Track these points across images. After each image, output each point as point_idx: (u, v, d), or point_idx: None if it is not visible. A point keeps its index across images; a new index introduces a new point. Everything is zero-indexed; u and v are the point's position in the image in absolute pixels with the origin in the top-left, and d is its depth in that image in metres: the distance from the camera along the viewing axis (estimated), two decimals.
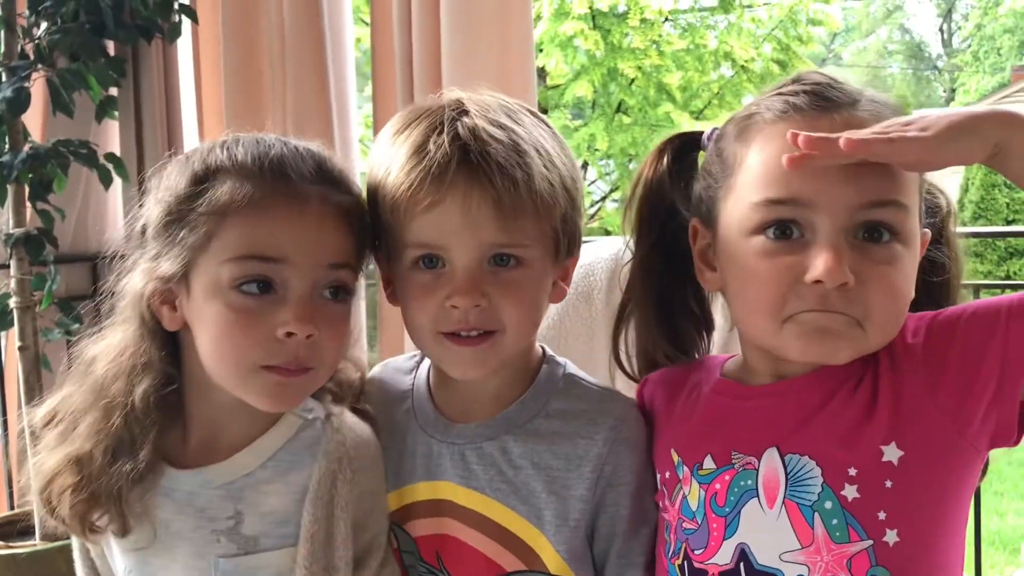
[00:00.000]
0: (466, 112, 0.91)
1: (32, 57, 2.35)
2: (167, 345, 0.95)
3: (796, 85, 0.88)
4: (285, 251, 0.88)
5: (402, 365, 1.07)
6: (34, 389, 2.27)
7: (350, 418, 0.98)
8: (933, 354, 0.82)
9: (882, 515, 0.80)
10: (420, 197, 0.88)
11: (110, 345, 0.97)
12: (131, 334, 0.95)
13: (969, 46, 24.18)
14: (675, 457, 0.92)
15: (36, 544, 2.29)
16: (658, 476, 0.95)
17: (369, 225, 0.96)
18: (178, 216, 0.90)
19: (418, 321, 0.93)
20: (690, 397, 0.96)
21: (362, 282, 1.02)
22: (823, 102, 0.85)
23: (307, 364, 0.90)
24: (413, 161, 0.89)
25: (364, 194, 0.98)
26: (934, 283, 0.92)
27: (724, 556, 0.86)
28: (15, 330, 2.34)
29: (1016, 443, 0.82)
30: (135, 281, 0.95)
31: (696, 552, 0.88)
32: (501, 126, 0.90)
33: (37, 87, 2.37)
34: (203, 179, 0.90)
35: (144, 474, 0.93)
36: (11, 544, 2.30)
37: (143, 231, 0.96)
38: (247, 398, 0.92)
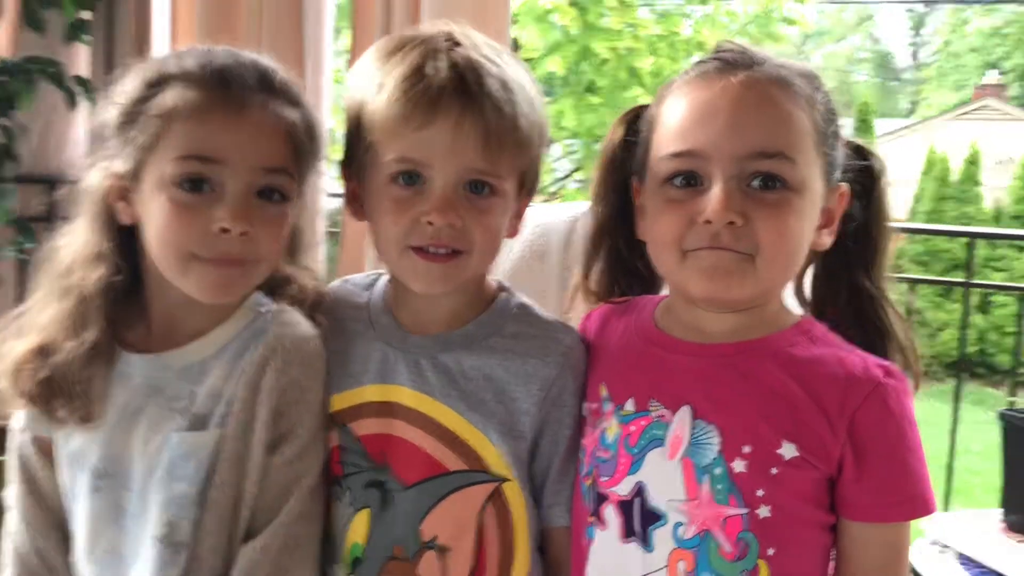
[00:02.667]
0: (459, 44, 0.97)
1: None
2: (122, 239, 1.02)
3: (711, 54, 0.98)
4: (223, 153, 0.96)
5: (360, 281, 1.12)
6: None
7: (298, 317, 1.05)
8: (847, 435, 0.92)
9: (760, 492, 0.90)
10: (414, 116, 0.93)
11: (72, 238, 1.04)
12: (89, 228, 1.03)
13: (936, 61, 24.59)
14: (604, 392, 1.01)
15: None
16: (585, 404, 1.03)
17: (316, 137, 1.03)
18: (130, 118, 0.98)
19: (390, 233, 0.97)
20: (623, 335, 1.04)
21: (317, 199, 1.09)
22: (724, 65, 0.95)
23: (242, 258, 0.98)
24: (410, 82, 0.93)
25: (323, 109, 1.03)
26: (860, 232, 1.02)
27: (625, 488, 0.95)
28: None
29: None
30: (93, 178, 1.02)
31: (603, 479, 0.97)
32: (493, 62, 0.97)
33: (8, 1, 2.34)
34: (154, 84, 0.98)
35: (96, 357, 0.99)
36: None
37: (99, 134, 1.03)
38: (187, 288, 0.99)
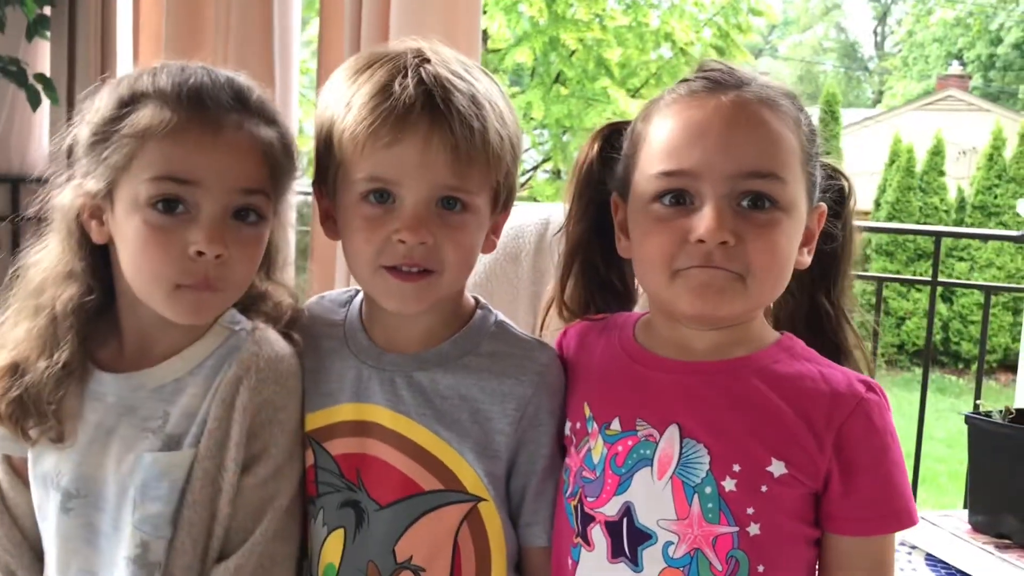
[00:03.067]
0: (428, 60, 0.95)
1: None
2: (93, 258, 1.00)
3: (697, 72, 0.98)
4: (198, 174, 0.94)
5: (337, 298, 1.11)
6: None
7: (273, 336, 1.03)
8: (834, 450, 0.92)
9: (751, 510, 0.89)
10: (382, 134, 0.91)
11: (44, 256, 1.02)
12: (61, 246, 1.01)
13: (900, 51, 24.86)
14: (587, 411, 0.99)
15: None
16: (568, 423, 1.02)
17: (292, 155, 1.01)
18: (103, 137, 0.95)
19: (362, 253, 0.96)
20: (605, 354, 1.03)
21: (291, 215, 1.07)
22: (713, 85, 0.94)
23: (215, 284, 0.96)
24: (377, 100, 0.92)
25: (297, 126, 1.02)
26: (826, 252, 1.03)
27: (612, 508, 0.94)
28: None
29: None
30: (65, 196, 1.00)
31: (589, 499, 0.96)
32: (461, 78, 0.95)
33: None
34: (128, 103, 0.95)
35: (68, 377, 0.98)
36: None
37: (70, 151, 1.00)
38: (160, 310, 0.97)
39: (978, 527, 1.55)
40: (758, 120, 0.91)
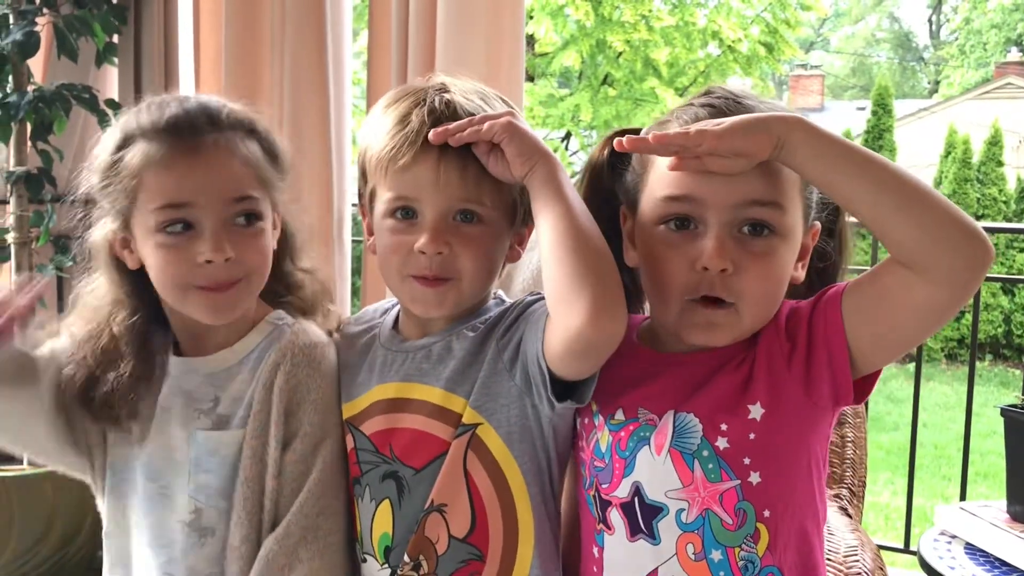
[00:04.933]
0: (447, 91, 1.07)
1: (38, 2, 2.42)
2: (135, 281, 1.14)
3: (703, 98, 1.03)
4: (191, 196, 1.06)
5: (380, 305, 1.23)
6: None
7: (311, 327, 1.16)
8: (789, 333, 0.98)
9: (747, 460, 0.96)
10: (398, 158, 1.03)
11: (96, 286, 1.17)
12: (106, 277, 1.16)
13: (956, 39, 24.29)
14: (593, 407, 1.07)
15: (24, 468, 2.40)
16: (578, 420, 1.10)
17: (275, 151, 1.14)
18: (109, 181, 1.08)
19: (390, 263, 1.07)
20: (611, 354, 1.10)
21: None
22: (717, 113, 0.99)
23: (232, 279, 1.08)
24: (396, 128, 1.04)
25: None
26: (821, 269, 1.08)
27: (623, 490, 1.01)
28: (11, 264, 2.43)
29: (856, 402, 0.98)
30: (97, 235, 1.14)
31: (603, 486, 1.03)
32: (473, 104, 1.06)
33: (44, 31, 2.44)
34: (121, 146, 1.08)
35: (136, 382, 1.11)
36: (0, 468, 2.40)
37: (87, 199, 1.14)
38: (191, 315, 1.11)
39: (1016, 516, 1.57)
40: None
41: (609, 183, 1.12)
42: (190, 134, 1.06)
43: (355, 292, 3.34)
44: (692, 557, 0.97)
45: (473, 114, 1.04)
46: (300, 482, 1.09)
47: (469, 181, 1.03)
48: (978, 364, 8.93)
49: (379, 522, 1.09)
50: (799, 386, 0.96)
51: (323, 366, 1.13)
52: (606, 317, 0.92)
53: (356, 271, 2.83)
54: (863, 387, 0.97)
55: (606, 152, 1.12)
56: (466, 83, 1.10)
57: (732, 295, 0.96)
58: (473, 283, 1.07)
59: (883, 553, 2.64)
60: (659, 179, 1.01)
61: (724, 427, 0.97)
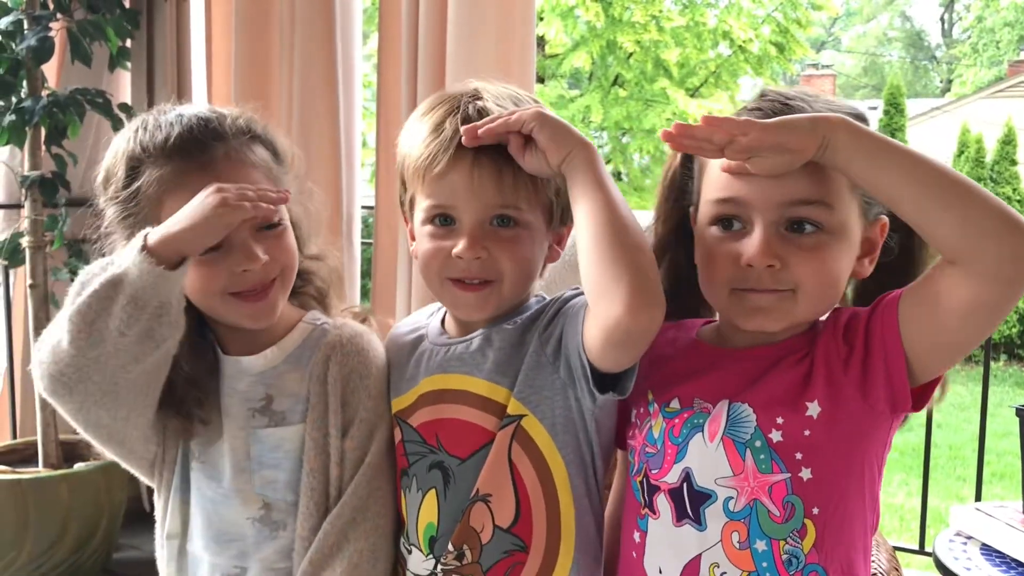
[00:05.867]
0: (480, 98, 1.07)
1: (52, 7, 2.44)
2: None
3: (759, 101, 1.04)
4: None
5: (427, 309, 1.25)
6: (42, 325, 2.37)
7: (350, 320, 1.21)
8: (847, 337, 0.99)
9: (799, 455, 0.97)
10: (434, 166, 1.04)
11: None
12: None
13: (969, 37, 24.17)
14: (650, 397, 1.09)
15: (39, 471, 2.42)
16: (633, 410, 1.12)
17: (277, 149, 1.16)
18: (129, 212, 1.10)
19: (431, 268, 1.09)
20: (670, 348, 1.12)
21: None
22: (763, 116, 1.00)
23: (268, 281, 1.11)
24: (431, 137, 1.06)
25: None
26: (886, 265, 1.06)
27: (673, 476, 1.03)
28: (26, 268, 2.45)
29: (915, 410, 0.98)
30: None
31: (653, 472, 1.05)
32: (505, 108, 1.06)
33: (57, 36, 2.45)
34: (131, 175, 1.09)
35: (192, 387, 1.13)
36: (16, 470, 2.42)
37: (108, 232, 1.15)
38: (233, 322, 1.13)
39: None
40: None
41: (682, 184, 1.13)
42: (199, 151, 1.08)
43: (364, 293, 3.35)
44: (736, 545, 0.98)
45: (503, 112, 1.04)
46: (356, 466, 1.13)
47: (504, 185, 1.04)
48: (993, 364, 8.89)
49: (425, 512, 1.11)
50: (856, 390, 0.96)
51: (371, 353, 1.17)
52: (645, 307, 0.93)
53: (366, 272, 2.83)
54: (923, 394, 0.97)
55: (679, 157, 1.13)
56: (500, 88, 1.11)
57: (787, 284, 0.98)
58: (513, 285, 1.08)
59: (898, 554, 2.63)
60: (710, 182, 1.03)
61: (780, 420, 0.98)
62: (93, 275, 1.02)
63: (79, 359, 1.00)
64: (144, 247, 1.00)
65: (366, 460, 1.13)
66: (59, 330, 1.02)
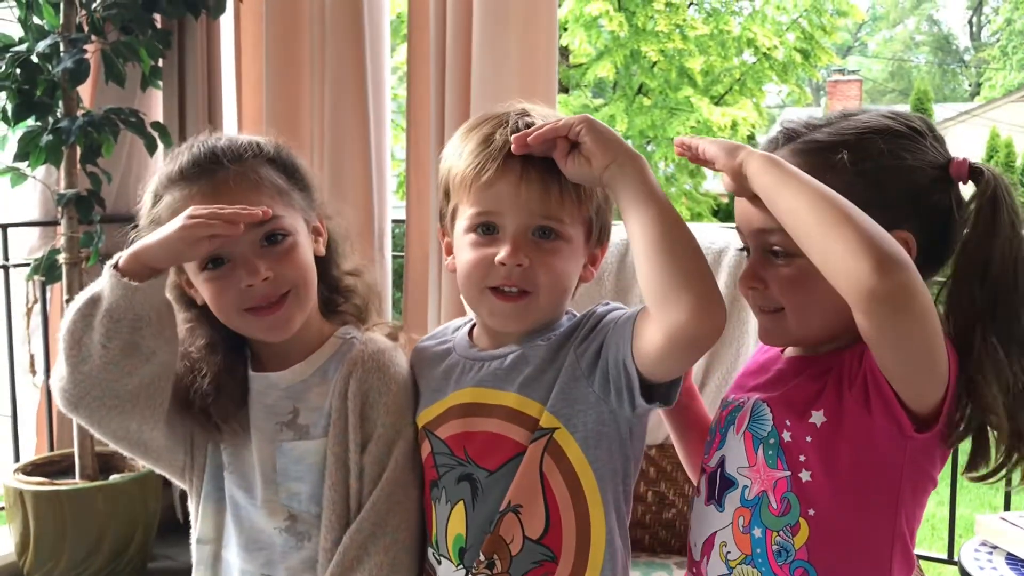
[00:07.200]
0: (528, 115, 1.11)
1: (87, 30, 2.50)
2: (207, 313, 1.19)
3: (775, 129, 1.10)
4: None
5: (455, 323, 1.27)
6: None
7: (378, 336, 1.23)
8: (862, 357, 0.99)
9: (802, 458, 1.01)
10: (482, 174, 1.08)
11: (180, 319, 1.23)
12: (182, 313, 1.21)
13: (997, 40, 23.92)
14: (728, 394, 1.17)
15: (76, 483, 2.48)
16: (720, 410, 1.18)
17: (290, 166, 1.19)
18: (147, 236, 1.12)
19: (471, 276, 1.11)
20: (756, 360, 1.19)
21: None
22: (785, 138, 1.07)
23: (275, 295, 1.13)
24: (481, 147, 1.09)
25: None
26: (994, 281, 0.99)
27: (714, 461, 1.11)
28: (63, 284, 2.50)
29: (919, 432, 0.96)
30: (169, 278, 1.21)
31: (704, 456, 1.14)
32: None
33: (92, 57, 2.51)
34: (154, 204, 1.14)
35: (219, 395, 1.17)
36: (54, 482, 2.47)
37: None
38: (252, 336, 1.17)
39: None
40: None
41: None
42: (207, 175, 1.12)
43: (395, 305, 3.38)
44: (741, 529, 1.05)
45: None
46: (375, 481, 1.15)
47: (550, 197, 1.07)
48: None
49: (453, 524, 1.13)
50: (859, 405, 0.98)
51: (391, 370, 1.18)
52: (711, 311, 0.96)
53: (397, 285, 2.87)
54: (937, 418, 0.96)
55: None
56: (545, 108, 1.15)
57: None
58: (550, 297, 1.10)
59: (927, 564, 2.60)
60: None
61: (788, 423, 1.02)
62: (80, 297, 1.09)
63: (75, 375, 1.07)
64: (115, 263, 1.07)
65: (384, 475, 1.15)
66: (60, 350, 1.09)
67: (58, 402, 1.11)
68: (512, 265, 1.07)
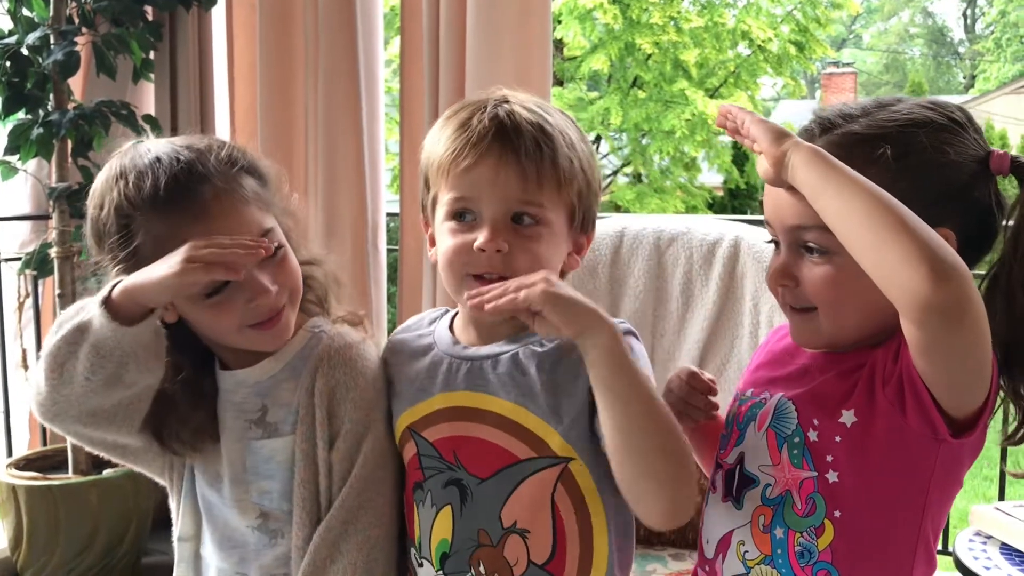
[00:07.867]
0: (507, 101, 1.10)
1: (77, 22, 2.48)
2: (178, 331, 1.11)
3: (809, 119, 1.05)
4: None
5: (431, 314, 1.25)
6: None
7: (346, 329, 1.19)
8: (896, 355, 0.96)
9: (829, 458, 0.98)
10: (460, 160, 1.06)
11: None
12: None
13: (992, 32, 23.94)
14: (743, 387, 1.13)
15: (70, 477, 2.47)
16: (731, 399, 1.15)
17: (263, 175, 1.15)
18: (128, 268, 1.05)
19: (451, 264, 1.09)
20: (770, 346, 1.16)
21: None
22: (821, 129, 1.01)
23: (279, 305, 1.11)
24: (459, 132, 1.07)
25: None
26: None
27: (731, 457, 1.08)
28: (55, 278, 2.49)
29: (955, 437, 0.94)
30: None
31: (720, 451, 1.11)
32: (533, 112, 1.09)
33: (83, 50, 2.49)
34: (125, 232, 1.06)
35: (195, 407, 1.15)
36: (47, 477, 2.46)
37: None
38: (249, 348, 1.14)
39: None
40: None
41: None
42: (189, 200, 1.06)
43: (390, 300, 3.38)
44: (761, 528, 1.02)
45: (533, 123, 1.06)
46: (344, 478, 1.12)
47: (529, 182, 1.06)
48: None
49: (439, 528, 1.11)
50: (893, 406, 0.95)
51: (359, 364, 1.15)
52: (680, 515, 0.98)
53: (392, 279, 2.86)
54: (974, 422, 0.94)
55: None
56: (525, 95, 1.13)
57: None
58: None
59: None
60: None
61: (816, 422, 0.99)
62: (68, 317, 1.04)
63: (54, 395, 1.05)
64: (107, 298, 1.00)
65: (354, 471, 1.12)
66: (39, 365, 1.05)
67: (34, 412, 1.08)
68: (491, 251, 1.05)
